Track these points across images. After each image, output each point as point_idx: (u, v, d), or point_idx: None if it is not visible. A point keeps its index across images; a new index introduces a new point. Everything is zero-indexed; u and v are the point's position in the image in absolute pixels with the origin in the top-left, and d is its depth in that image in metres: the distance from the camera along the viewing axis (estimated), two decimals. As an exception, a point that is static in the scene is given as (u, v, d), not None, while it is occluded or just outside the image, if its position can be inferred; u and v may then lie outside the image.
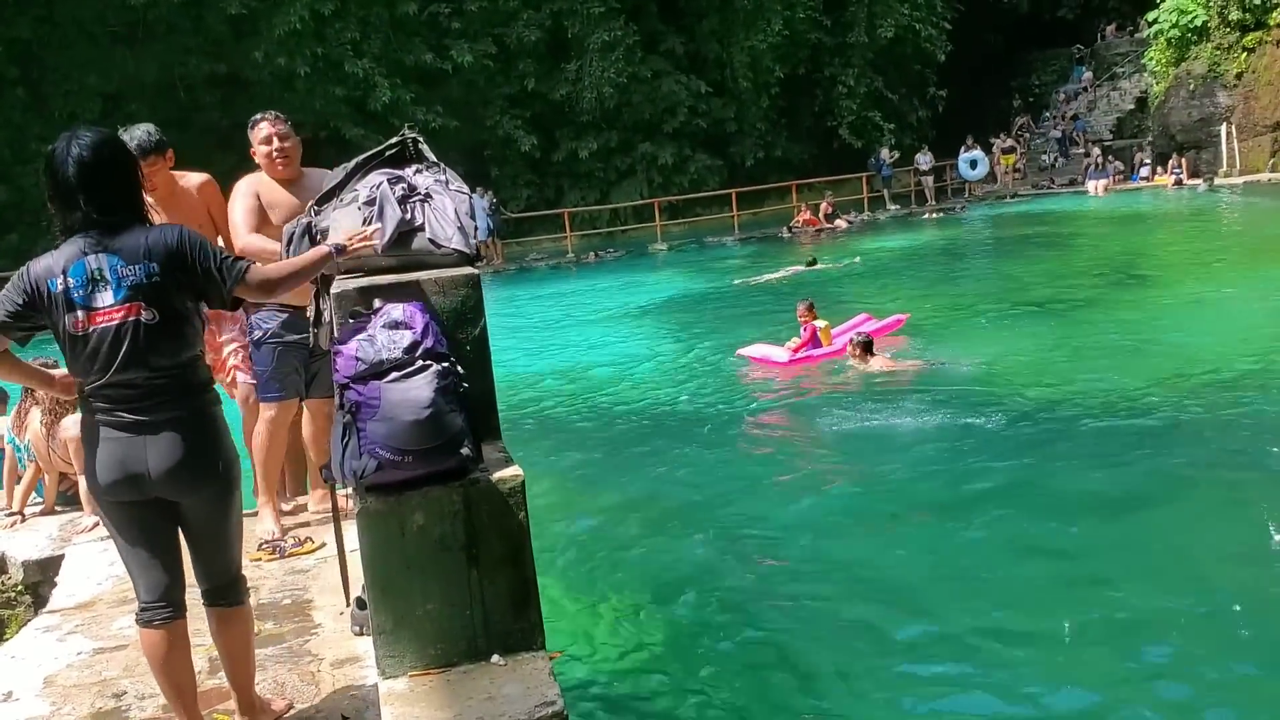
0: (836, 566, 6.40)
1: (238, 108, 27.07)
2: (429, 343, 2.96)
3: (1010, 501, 7.14)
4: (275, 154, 4.89)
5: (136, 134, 4.76)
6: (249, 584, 3.39)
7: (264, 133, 4.91)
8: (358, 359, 2.93)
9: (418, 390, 2.87)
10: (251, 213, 4.82)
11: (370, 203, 3.31)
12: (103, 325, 2.99)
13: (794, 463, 8.59)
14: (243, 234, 4.79)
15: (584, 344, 14.50)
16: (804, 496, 7.61)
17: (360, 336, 2.98)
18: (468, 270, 3.30)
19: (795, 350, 11.64)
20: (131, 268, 3.00)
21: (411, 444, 2.85)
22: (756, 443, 9.19)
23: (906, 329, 12.66)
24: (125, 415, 3.03)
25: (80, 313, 2.98)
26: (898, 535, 6.83)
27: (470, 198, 3.52)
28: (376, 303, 3.09)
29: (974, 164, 30.90)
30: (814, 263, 19.66)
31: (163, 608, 3.14)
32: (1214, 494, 7.03)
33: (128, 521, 3.13)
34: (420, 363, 2.92)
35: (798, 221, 27.23)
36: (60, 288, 2.99)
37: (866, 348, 10.99)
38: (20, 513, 6.25)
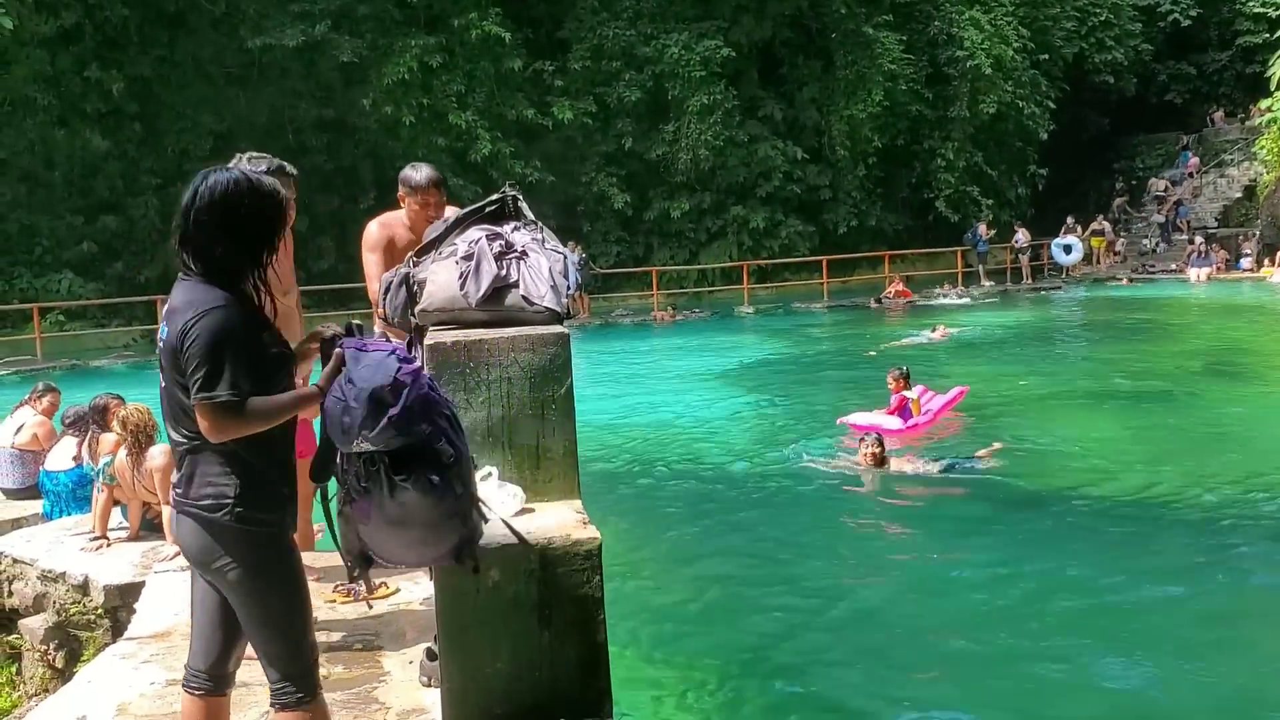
0: (918, 652, 6.24)
1: (343, 152, 27.94)
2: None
3: (1085, 597, 6.94)
4: (431, 217, 4.64)
5: (429, 169, 4.72)
6: (321, 656, 3.14)
7: (427, 198, 4.71)
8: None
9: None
10: (383, 260, 4.74)
11: (468, 258, 3.35)
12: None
13: (883, 538, 8.43)
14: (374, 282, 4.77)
15: (667, 403, 14.45)
16: (889, 575, 7.45)
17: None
18: (558, 329, 3.31)
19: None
20: (162, 325, 2.88)
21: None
22: (846, 514, 9.02)
23: (973, 406, 12.43)
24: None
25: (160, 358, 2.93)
26: (972, 632, 6.64)
27: (565, 257, 3.53)
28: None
29: (1068, 249, 30.47)
30: (940, 329, 19.84)
31: (203, 678, 3.00)
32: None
33: (192, 579, 3.04)
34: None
35: (889, 293, 26.98)
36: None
37: (879, 454, 9.84)
38: (105, 536, 6.37)
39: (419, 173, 4.67)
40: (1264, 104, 29.79)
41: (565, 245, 3.79)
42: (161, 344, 2.88)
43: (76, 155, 25.43)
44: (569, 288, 3.52)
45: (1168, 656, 6.02)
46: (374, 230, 4.77)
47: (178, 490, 2.90)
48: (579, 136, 30.27)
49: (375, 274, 4.65)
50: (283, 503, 2.90)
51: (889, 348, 18.47)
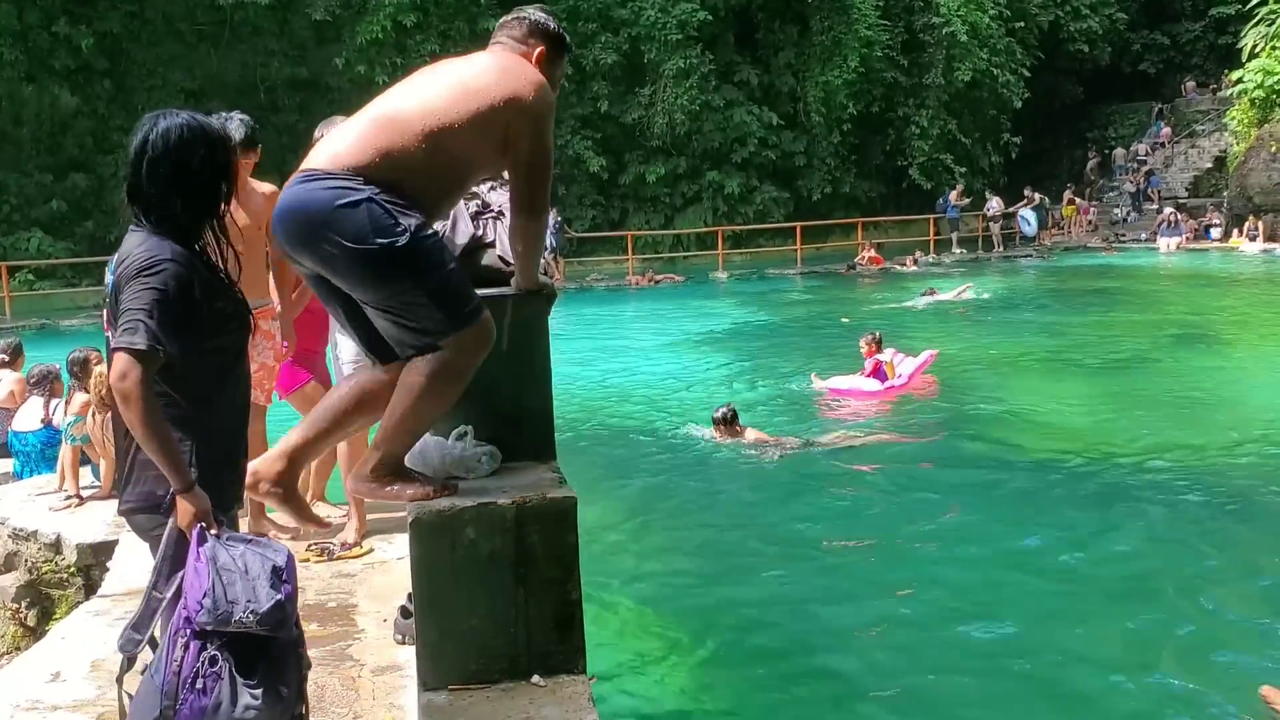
0: (888, 609, 6.33)
1: (315, 112, 27.60)
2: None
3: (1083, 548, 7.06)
4: None
5: (232, 125, 4.52)
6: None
7: None
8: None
9: None
10: None
11: (444, 217, 3.34)
12: (107, 334, 2.89)
13: (857, 501, 8.49)
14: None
15: (642, 368, 14.49)
16: (862, 539, 7.52)
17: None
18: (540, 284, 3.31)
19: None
20: (109, 276, 2.75)
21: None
22: (821, 476, 9.05)
23: (941, 370, 12.58)
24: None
25: (106, 310, 2.90)
26: (935, 587, 6.74)
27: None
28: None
29: (1028, 221, 30.73)
30: (933, 292, 20.16)
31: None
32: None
33: None
34: None
35: (861, 259, 27.10)
36: (107, 280, 2.89)
37: (729, 422, 9.75)
38: (78, 495, 6.35)
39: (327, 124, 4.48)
40: (1234, 75, 29.92)
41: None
42: (108, 298, 2.81)
43: (45, 112, 25.07)
44: (546, 248, 3.52)
45: (1122, 617, 6.13)
46: None
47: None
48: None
49: None
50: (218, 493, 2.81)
51: (898, 307, 19.13)
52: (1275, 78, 27.68)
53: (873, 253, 27.39)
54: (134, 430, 2.61)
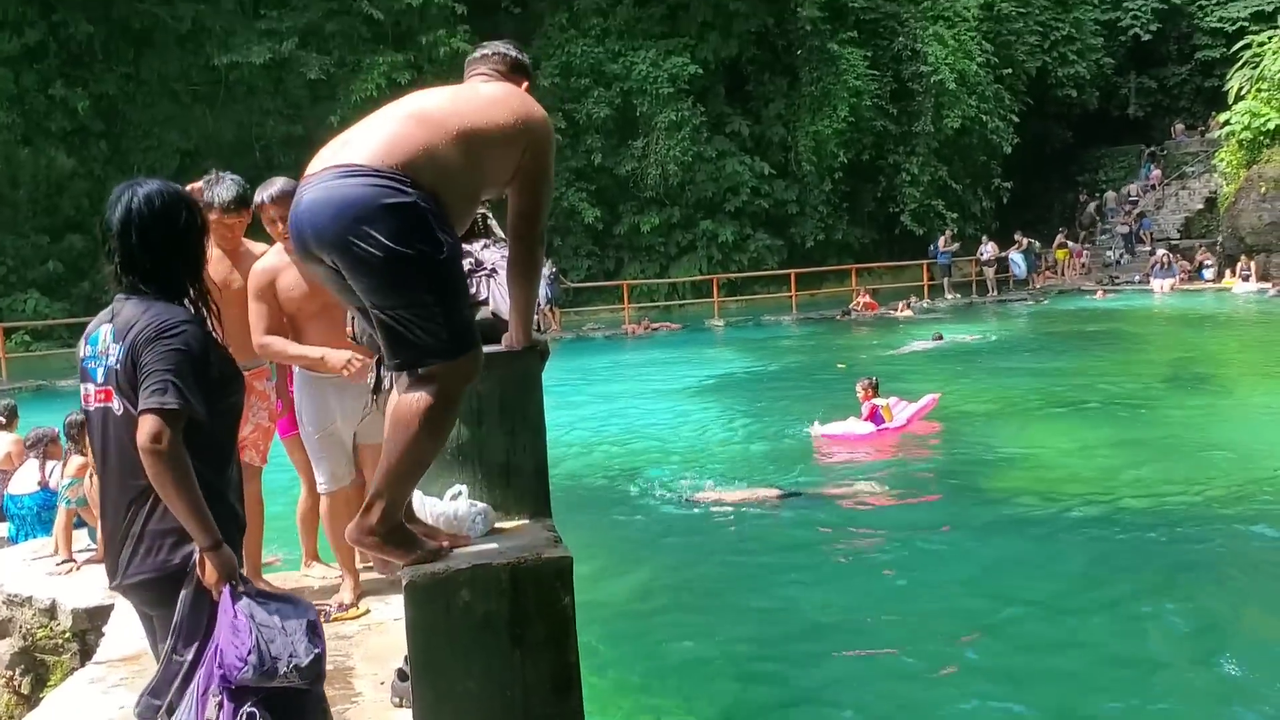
0: (887, 667, 6.28)
1: (311, 169, 27.82)
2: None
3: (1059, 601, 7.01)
4: (282, 232, 4.41)
5: (223, 186, 4.58)
6: None
7: (267, 214, 4.53)
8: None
9: None
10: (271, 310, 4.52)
11: (437, 276, 3.35)
12: (94, 407, 2.82)
13: (854, 554, 8.43)
14: (257, 332, 4.51)
15: (640, 418, 14.45)
16: (859, 593, 7.46)
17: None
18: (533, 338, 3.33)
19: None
20: (115, 345, 2.75)
21: None
22: (820, 524, 9.01)
23: (939, 414, 12.57)
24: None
25: (89, 386, 2.82)
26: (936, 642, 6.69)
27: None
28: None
29: (1018, 264, 31.00)
30: (941, 337, 20.20)
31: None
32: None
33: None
34: None
35: (856, 304, 27.19)
36: (81, 354, 2.84)
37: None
38: (71, 558, 6.30)
39: (266, 189, 4.54)
40: (1222, 117, 30.23)
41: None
42: (111, 368, 2.76)
43: (42, 174, 25.27)
44: (542, 300, 3.52)
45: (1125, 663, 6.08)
46: (259, 266, 4.59)
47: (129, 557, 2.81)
48: (548, 152, 30.35)
49: (258, 325, 4.51)
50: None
51: (894, 354, 19.14)
52: (1261, 119, 27.97)
53: (868, 298, 27.48)
54: (165, 490, 2.61)
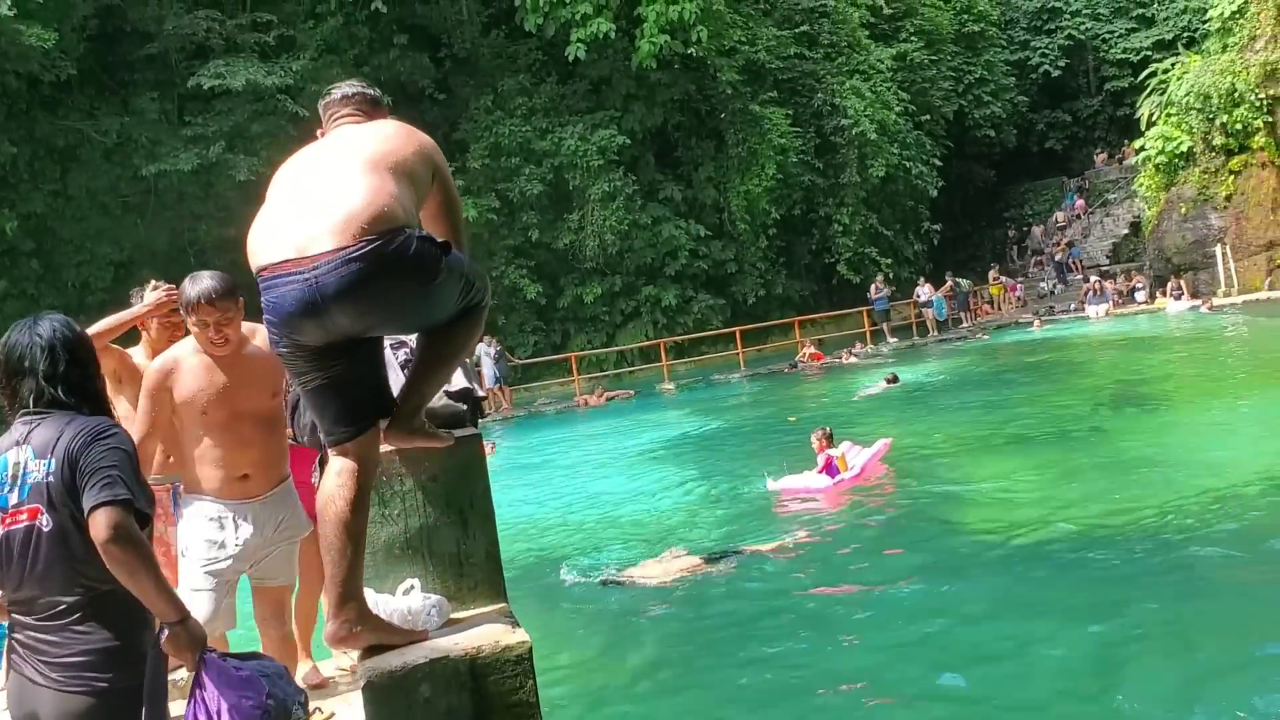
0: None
1: (247, 269, 27.63)
2: None
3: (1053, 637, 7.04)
4: (213, 337, 3.97)
5: (205, 281, 3.98)
6: None
7: (204, 316, 3.95)
8: None
9: None
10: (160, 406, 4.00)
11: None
12: (8, 529, 2.78)
13: (821, 607, 8.38)
14: (139, 431, 3.92)
15: (595, 490, 14.36)
16: (828, 649, 7.41)
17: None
18: (468, 430, 3.33)
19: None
20: (39, 462, 2.76)
21: None
22: (783, 585, 8.90)
23: (892, 457, 12.67)
24: (20, 642, 2.80)
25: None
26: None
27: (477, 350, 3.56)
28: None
29: (930, 304, 31.32)
30: (895, 379, 20.32)
31: None
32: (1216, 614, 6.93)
33: None
34: None
35: (802, 356, 27.43)
36: None
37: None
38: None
39: (195, 285, 3.98)
40: (1136, 144, 31.15)
41: (481, 339, 3.78)
42: (39, 484, 2.76)
43: (-28, 297, 24.90)
44: (480, 374, 3.54)
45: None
46: (157, 363, 4.11)
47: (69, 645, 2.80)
48: (485, 232, 30.47)
49: (144, 423, 3.99)
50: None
51: (850, 400, 19.36)
52: (1174, 143, 28.84)
53: (813, 349, 27.74)
54: (133, 575, 2.68)
